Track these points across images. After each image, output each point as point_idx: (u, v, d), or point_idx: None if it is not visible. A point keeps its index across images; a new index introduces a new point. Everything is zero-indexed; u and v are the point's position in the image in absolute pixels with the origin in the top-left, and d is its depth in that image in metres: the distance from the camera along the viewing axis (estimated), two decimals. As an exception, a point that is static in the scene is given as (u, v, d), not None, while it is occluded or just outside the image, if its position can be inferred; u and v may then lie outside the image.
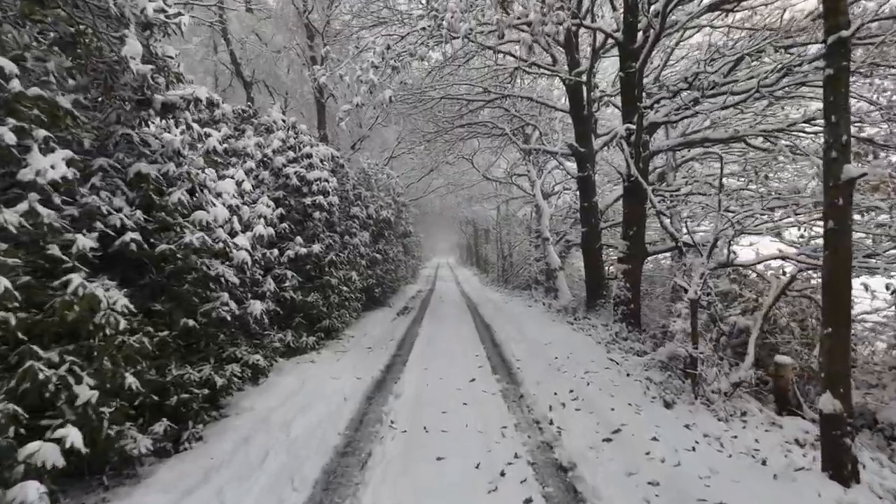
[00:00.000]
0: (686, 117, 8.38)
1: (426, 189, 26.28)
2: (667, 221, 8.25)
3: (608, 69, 13.83)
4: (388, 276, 16.58)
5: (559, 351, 8.66)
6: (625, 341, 9.01)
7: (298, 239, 8.64)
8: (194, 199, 5.22)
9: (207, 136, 5.77)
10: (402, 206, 19.27)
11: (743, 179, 11.24)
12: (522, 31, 8.33)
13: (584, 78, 11.43)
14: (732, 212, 7.08)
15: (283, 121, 10.13)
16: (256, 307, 6.21)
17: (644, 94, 8.57)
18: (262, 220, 7.02)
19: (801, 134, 8.43)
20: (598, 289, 12.01)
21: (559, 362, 7.93)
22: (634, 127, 8.52)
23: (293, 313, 8.63)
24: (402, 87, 13.51)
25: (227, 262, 5.95)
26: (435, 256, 72.88)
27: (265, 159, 8.71)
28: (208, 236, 5.04)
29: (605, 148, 12.27)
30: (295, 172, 8.88)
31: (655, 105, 8.56)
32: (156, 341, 4.48)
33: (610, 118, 15.62)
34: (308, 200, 9.06)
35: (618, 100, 11.90)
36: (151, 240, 4.78)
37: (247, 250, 6.26)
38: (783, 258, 6.90)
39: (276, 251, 8.44)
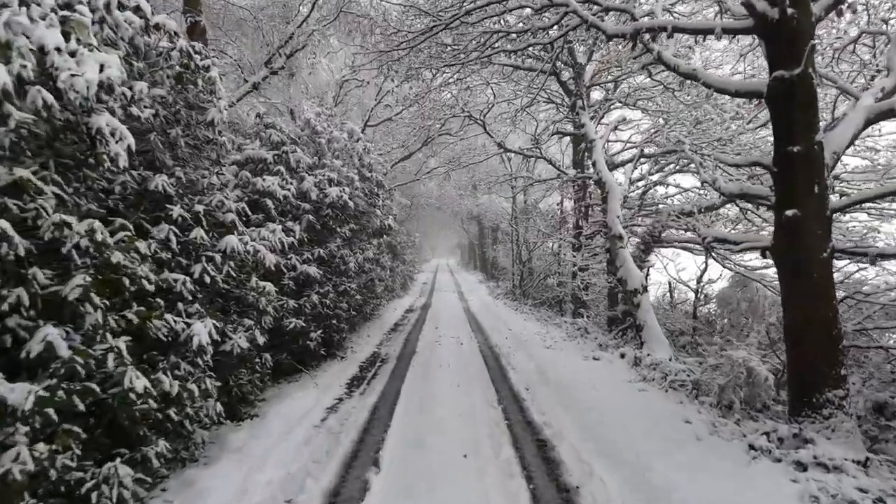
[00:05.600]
0: None
1: (419, 170, 18.82)
2: None
3: None
4: (344, 301, 9.12)
5: None
6: None
7: None
8: None
9: None
10: (377, 186, 11.86)
11: None
12: None
13: None
14: None
15: None
16: None
17: None
18: None
19: None
20: (831, 363, 4.54)
21: None
22: None
23: None
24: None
25: None
26: (434, 258, 65.51)
27: None
28: None
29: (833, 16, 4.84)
30: None
31: None
32: None
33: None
34: None
35: None
36: None
37: None
38: None
39: None
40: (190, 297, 4.49)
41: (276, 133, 8.29)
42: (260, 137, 8.39)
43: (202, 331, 4.17)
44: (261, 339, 5.49)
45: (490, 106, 12.75)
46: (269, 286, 5.97)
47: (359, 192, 10.56)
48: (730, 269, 8.42)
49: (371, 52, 7.98)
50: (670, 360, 7.89)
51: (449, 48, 8.53)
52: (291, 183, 7.84)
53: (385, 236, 13.28)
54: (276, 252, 6.68)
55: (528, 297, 19.47)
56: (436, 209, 29.37)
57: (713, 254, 8.16)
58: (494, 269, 29.17)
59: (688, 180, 13.82)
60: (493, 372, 7.87)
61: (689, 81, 7.82)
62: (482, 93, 13.00)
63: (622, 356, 8.28)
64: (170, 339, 4.12)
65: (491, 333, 11.53)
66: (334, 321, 8.45)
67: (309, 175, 8.40)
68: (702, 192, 12.74)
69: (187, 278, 4.47)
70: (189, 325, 4.25)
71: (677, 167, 11.97)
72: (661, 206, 13.13)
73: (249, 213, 5.88)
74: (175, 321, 4.21)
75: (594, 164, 9.67)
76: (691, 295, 11.56)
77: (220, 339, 4.75)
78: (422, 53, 8.89)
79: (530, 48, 9.94)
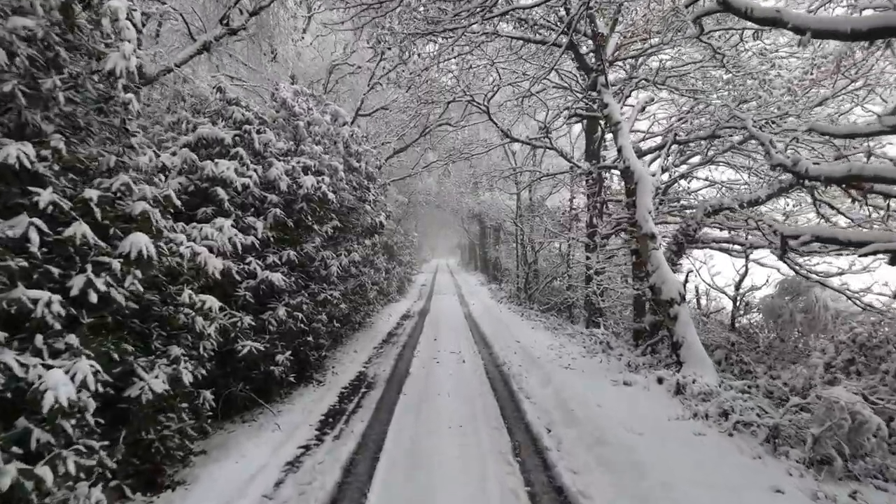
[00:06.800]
0: None
1: (416, 163, 17.32)
2: None
3: None
4: (324, 313, 7.60)
5: None
6: None
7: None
8: None
9: None
10: (367, 178, 10.35)
11: None
12: None
13: None
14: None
15: None
16: None
17: None
18: None
19: None
20: None
21: None
22: None
23: None
24: None
25: None
26: (434, 258, 64.06)
27: None
28: None
29: None
30: None
31: None
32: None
33: None
34: None
35: None
36: None
37: None
38: None
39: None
40: (59, 326, 2.97)
41: (240, 111, 6.80)
42: (222, 116, 6.91)
43: (61, 381, 2.65)
44: (188, 377, 3.96)
45: (495, 88, 11.22)
46: (211, 301, 4.46)
47: (344, 185, 9.06)
48: (804, 277, 6.87)
49: (354, 6, 6.45)
50: (720, 386, 6.40)
51: (450, 7, 7.03)
52: (255, 169, 6.33)
53: (377, 235, 11.77)
54: (227, 256, 5.19)
55: (533, 302, 17.97)
56: (435, 207, 27.85)
57: (785, 259, 6.61)
58: (497, 271, 27.67)
59: (713, 172, 12.22)
60: (503, 402, 6.36)
61: (741, 42, 6.33)
62: (488, 75, 11.46)
63: (659, 381, 6.76)
64: (8, 394, 2.61)
65: (496, 346, 10.02)
66: (309, 338, 6.93)
67: (279, 161, 6.88)
68: (733, 185, 11.27)
69: (56, 297, 2.95)
70: (49, 371, 2.74)
71: (705, 158, 10.46)
72: (683, 202, 11.66)
73: (178, 202, 4.34)
74: (26, 366, 2.71)
75: (620, 151, 8.15)
76: (726, 303, 10.07)
77: (111, 384, 3.25)
78: (417, 15, 7.40)
79: (543, 11, 8.47)
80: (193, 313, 4.35)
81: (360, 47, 14.23)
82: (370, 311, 13.36)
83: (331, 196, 7.55)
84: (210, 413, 4.57)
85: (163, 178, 4.80)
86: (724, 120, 7.15)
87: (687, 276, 8.37)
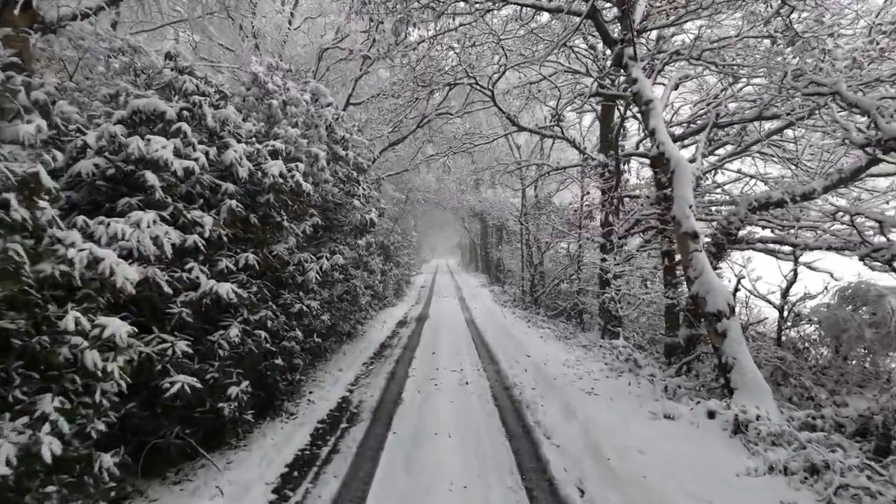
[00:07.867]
0: None
1: (414, 156, 15.98)
2: None
3: None
4: (299, 328, 6.27)
5: None
6: None
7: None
8: None
9: None
10: (356, 169, 9.02)
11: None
12: None
13: None
14: None
15: None
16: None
17: None
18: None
19: None
20: None
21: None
22: None
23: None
24: None
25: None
26: (434, 258, 62.74)
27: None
28: None
29: None
30: None
31: None
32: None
33: None
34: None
35: None
36: None
37: None
38: None
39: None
40: None
41: (192, 81, 5.48)
42: (174, 89, 5.59)
43: None
44: (55, 446, 2.63)
45: (501, 69, 9.87)
46: (115, 325, 3.15)
47: (328, 176, 7.74)
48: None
49: None
50: (790, 422, 5.11)
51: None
52: (206, 150, 5.01)
53: (369, 235, 10.44)
54: (151, 261, 3.88)
55: (540, 306, 16.65)
56: (434, 205, 26.49)
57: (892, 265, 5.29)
58: (499, 272, 26.32)
59: (743, 164, 10.85)
60: (517, 443, 5.02)
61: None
62: (493, 55, 10.12)
63: (710, 415, 5.42)
64: None
65: (503, 361, 8.69)
66: (278, 360, 5.60)
67: (240, 143, 5.56)
68: (767, 178, 9.94)
69: None
70: None
71: (738, 147, 9.14)
72: (709, 196, 10.35)
73: (55, 185, 3.02)
74: None
75: (653, 133, 6.81)
76: (767, 312, 8.74)
77: None
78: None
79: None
80: (85, 344, 3.03)
81: (352, 30, 12.95)
82: (362, 319, 12.04)
83: (307, 187, 6.22)
84: (112, 485, 3.23)
85: (59, 155, 3.48)
86: (800, 87, 5.78)
87: (738, 283, 7.05)
